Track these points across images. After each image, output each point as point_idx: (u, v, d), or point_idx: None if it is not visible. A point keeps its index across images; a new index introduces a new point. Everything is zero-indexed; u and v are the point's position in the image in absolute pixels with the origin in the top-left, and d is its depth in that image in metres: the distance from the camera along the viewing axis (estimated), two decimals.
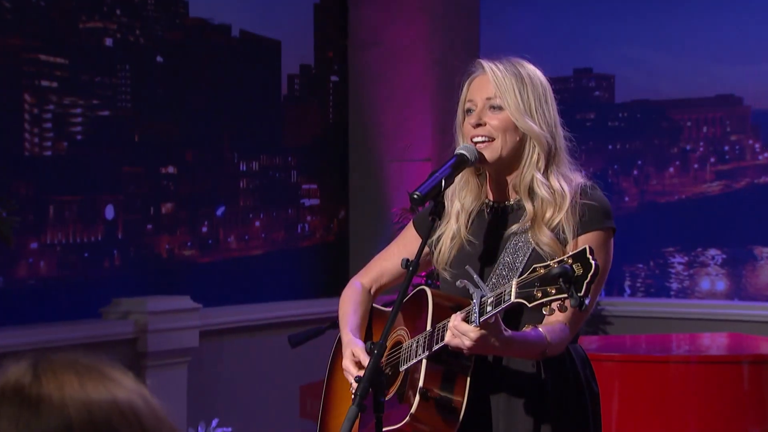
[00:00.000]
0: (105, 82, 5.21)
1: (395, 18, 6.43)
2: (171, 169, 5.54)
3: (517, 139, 2.49)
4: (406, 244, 2.71)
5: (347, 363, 2.57)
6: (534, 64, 2.59)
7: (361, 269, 2.92)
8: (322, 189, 6.46)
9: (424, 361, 2.41)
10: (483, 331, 2.22)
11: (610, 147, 6.27)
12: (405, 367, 2.48)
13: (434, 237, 2.61)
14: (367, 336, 2.74)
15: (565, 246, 2.45)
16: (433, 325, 2.42)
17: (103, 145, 5.20)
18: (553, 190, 2.47)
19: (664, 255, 6.15)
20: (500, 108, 2.50)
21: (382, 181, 6.42)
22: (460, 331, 2.24)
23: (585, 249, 2.09)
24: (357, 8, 6.55)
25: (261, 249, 6.05)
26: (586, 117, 6.28)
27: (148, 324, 5.01)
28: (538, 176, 2.48)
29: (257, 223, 6.03)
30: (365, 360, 2.53)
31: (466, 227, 2.57)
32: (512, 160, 2.51)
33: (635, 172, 6.24)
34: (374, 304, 2.81)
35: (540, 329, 2.35)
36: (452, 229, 2.58)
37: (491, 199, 2.59)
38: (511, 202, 2.55)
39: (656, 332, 5.68)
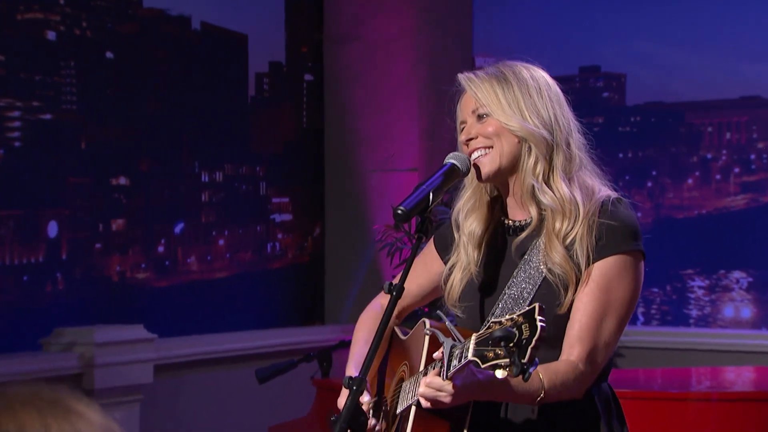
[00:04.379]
0: (47, 81, 5.18)
1: (377, 10, 6.43)
2: (123, 181, 5.51)
3: (516, 142, 2.48)
4: (427, 263, 2.68)
5: (342, 401, 2.52)
6: (532, 62, 2.59)
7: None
8: (294, 203, 6.45)
9: (414, 408, 2.39)
10: (457, 383, 2.23)
11: (620, 155, 6.28)
12: (399, 410, 2.48)
13: (445, 269, 2.60)
14: (382, 366, 2.72)
15: (579, 268, 2.42)
16: (426, 366, 2.40)
17: (44, 153, 5.17)
18: (560, 196, 2.45)
19: (683, 278, 6.15)
20: (486, 115, 2.49)
21: (362, 194, 6.41)
22: (435, 387, 2.25)
23: (534, 308, 2.07)
24: None
25: (225, 271, 6.03)
26: (593, 121, 6.28)
27: (95, 357, 4.98)
28: (536, 184, 2.46)
29: (221, 242, 6.01)
30: (341, 400, 2.51)
31: (476, 257, 2.55)
32: (513, 169, 2.50)
33: (649, 183, 6.24)
34: (396, 328, 2.76)
35: (539, 371, 2.32)
36: (462, 260, 2.57)
37: (507, 217, 2.57)
38: (528, 220, 2.52)
39: (673, 365, 5.67)
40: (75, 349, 5.00)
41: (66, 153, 5.26)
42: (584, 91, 6.33)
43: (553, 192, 2.45)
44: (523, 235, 2.50)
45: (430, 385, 2.25)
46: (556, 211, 2.44)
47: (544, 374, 2.33)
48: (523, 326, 2.05)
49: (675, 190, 6.20)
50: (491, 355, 2.08)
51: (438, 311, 2.43)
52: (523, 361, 2.02)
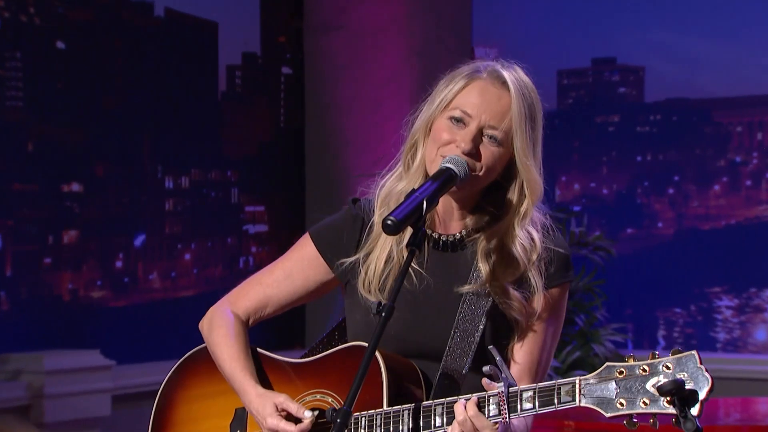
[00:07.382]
0: None
1: None
2: (75, 187, 5.50)
3: (494, 179, 2.53)
4: (304, 268, 2.71)
5: (277, 422, 2.54)
6: (528, 71, 2.59)
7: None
8: (270, 212, 6.44)
9: None
10: (500, 428, 2.34)
11: (638, 158, 6.28)
12: None
13: (361, 255, 2.63)
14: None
15: (529, 300, 2.54)
16: (390, 403, 2.47)
17: None
18: (525, 247, 2.55)
19: (708, 297, 6.15)
20: (500, 143, 2.50)
21: (346, 202, 6.40)
22: (480, 427, 2.35)
23: (693, 355, 2.20)
24: None
25: (192, 289, 6.02)
26: (608, 120, 6.28)
27: (44, 387, 4.99)
28: (519, 232, 2.55)
29: (187, 256, 5.99)
30: (296, 410, 2.53)
31: (403, 256, 2.57)
32: (475, 196, 2.56)
33: (671, 190, 6.24)
34: (259, 349, 2.78)
35: (524, 419, 2.48)
36: (387, 249, 2.60)
37: (434, 228, 2.61)
38: (460, 236, 2.60)
39: None
40: (22, 378, 5.01)
41: (11, 156, 5.24)
42: (598, 86, 6.34)
43: (524, 242, 2.55)
44: (468, 284, 2.57)
45: (475, 421, 2.34)
46: (514, 262, 2.55)
47: (528, 422, 2.53)
48: (679, 374, 2.18)
49: (700, 197, 6.20)
50: (620, 404, 2.21)
51: (491, 347, 2.44)
52: (696, 414, 2.16)
